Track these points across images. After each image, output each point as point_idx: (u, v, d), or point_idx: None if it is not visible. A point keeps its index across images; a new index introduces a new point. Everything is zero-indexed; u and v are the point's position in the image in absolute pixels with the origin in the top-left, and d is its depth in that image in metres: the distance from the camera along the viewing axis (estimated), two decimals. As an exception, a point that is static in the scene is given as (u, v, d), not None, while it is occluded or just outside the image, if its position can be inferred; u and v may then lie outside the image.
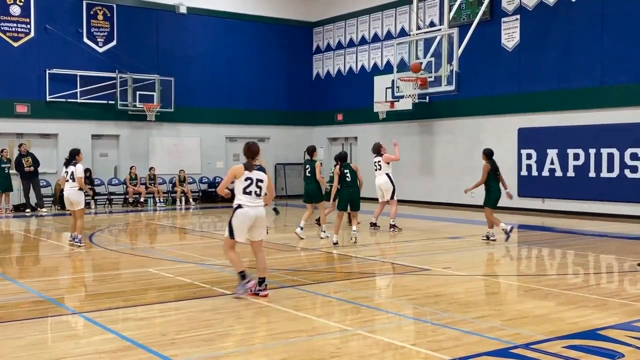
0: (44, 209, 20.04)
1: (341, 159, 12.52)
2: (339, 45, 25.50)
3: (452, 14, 19.03)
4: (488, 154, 12.61)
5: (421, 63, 18.00)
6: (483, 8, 18.62)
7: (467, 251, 11.93)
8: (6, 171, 19.49)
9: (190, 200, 22.82)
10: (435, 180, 21.66)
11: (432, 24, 20.91)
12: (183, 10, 23.69)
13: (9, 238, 14.62)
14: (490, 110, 19.78)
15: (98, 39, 22.31)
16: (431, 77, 18.12)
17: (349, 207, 12.64)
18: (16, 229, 16.11)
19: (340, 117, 25.44)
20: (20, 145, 20.23)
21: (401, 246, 12.36)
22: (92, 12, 22.22)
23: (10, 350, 5.64)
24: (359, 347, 5.73)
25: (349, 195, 12.36)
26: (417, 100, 19.83)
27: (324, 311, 7.04)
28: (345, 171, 12.40)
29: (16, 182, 20.15)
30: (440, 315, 6.80)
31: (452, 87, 17.58)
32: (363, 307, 7.24)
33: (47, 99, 21.27)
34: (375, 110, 22.32)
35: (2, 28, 20.71)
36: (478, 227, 14.73)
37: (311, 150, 13.53)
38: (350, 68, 24.99)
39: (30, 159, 19.91)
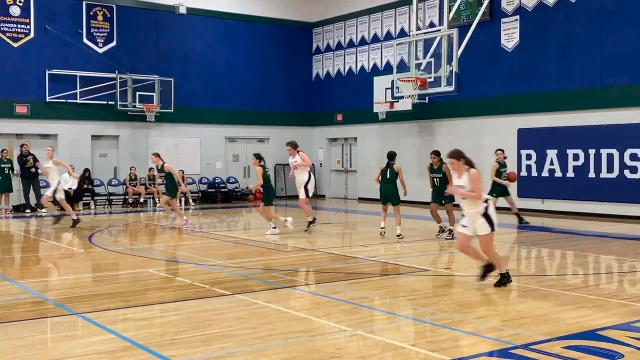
0: (43, 210, 20.03)
1: (389, 157, 13.62)
2: (339, 46, 25.51)
3: (451, 14, 19.03)
4: (440, 154, 13.21)
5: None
6: (483, 9, 18.63)
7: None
8: (6, 172, 19.49)
9: (190, 200, 22.81)
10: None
11: (431, 25, 20.92)
12: (183, 10, 23.69)
13: (8, 239, 14.62)
14: (490, 110, 19.79)
15: (98, 40, 22.31)
16: (431, 77, 18.13)
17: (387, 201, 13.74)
18: (16, 230, 16.11)
19: (339, 117, 25.45)
20: (22, 146, 20.25)
21: (401, 247, 12.36)
22: (91, 13, 22.22)
23: (10, 351, 5.64)
24: (358, 348, 5.73)
25: (385, 191, 13.51)
26: (416, 101, 19.85)
27: (324, 312, 7.04)
28: (387, 169, 13.49)
29: (16, 182, 20.17)
30: (440, 316, 6.80)
31: (451, 88, 17.57)
32: (363, 308, 7.24)
33: (47, 100, 21.27)
34: (374, 110, 22.33)
35: (2, 29, 20.71)
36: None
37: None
38: (350, 68, 24.99)
39: (31, 160, 19.92)
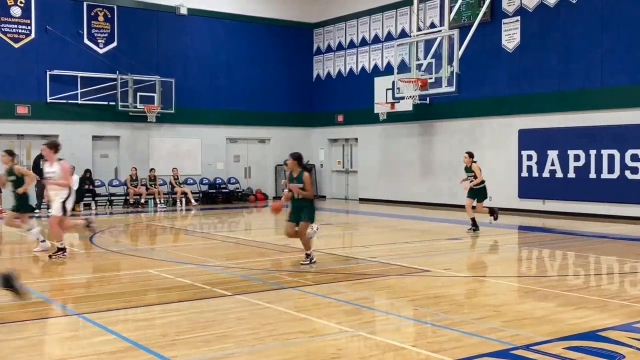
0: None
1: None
2: (340, 47, 25.50)
3: (452, 15, 19.03)
4: (299, 158, 10.07)
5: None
6: (483, 9, 18.63)
7: (467, 252, 11.93)
8: None
9: (192, 201, 22.81)
10: (435, 181, 21.64)
11: (432, 25, 20.91)
12: (183, 11, 23.69)
13: (9, 239, 14.61)
14: (491, 111, 19.78)
15: (99, 40, 22.32)
16: (432, 78, 18.13)
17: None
18: (17, 230, 16.09)
19: (340, 118, 25.45)
20: (42, 147, 20.31)
21: (401, 247, 12.36)
22: (92, 14, 22.23)
23: (10, 352, 5.63)
24: (359, 349, 5.73)
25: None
26: (417, 102, 19.86)
27: (325, 312, 7.04)
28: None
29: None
30: (441, 317, 6.80)
31: (452, 89, 17.58)
32: (363, 308, 7.24)
33: (48, 100, 21.28)
34: (375, 111, 22.33)
35: (3, 29, 20.73)
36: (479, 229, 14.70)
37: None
38: (351, 69, 24.99)
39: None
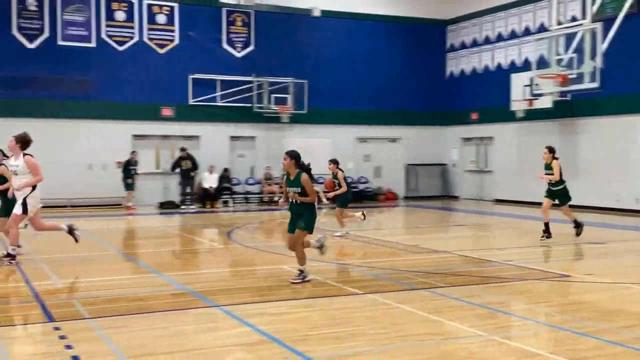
0: (192, 207, 21.17)
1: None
2: (474, 43, 24.90)
3: (595, 7, 18.01)
4: (297, 157, 8.66)
5: None
6: (629, 1, 17.45)
7: (611, 257, 11.24)
8: (132, 172, 20.66)
9: (323, 199, 23.10)
10: (578, 182, 20.53)
11: (573, 19, 19.90)
12: (317, 13, 24.09)
13: (154, 233, 15.52)
14: (638, 108, 18.50)
15: (236, 45, 23.22)
16: (572, 74, 17.28)
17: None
18: (160, 225, 17.09)
19: (475, 116, 24.83)
20: (181, 150, 21.51)
21: (540, 251, 11.85)
22: (231, 19, 23.17)
23: (153, 340, 5.97)
24: (493, 353, 5.55)
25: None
26: (557, 98, 19.01)
27: (457, 315, 6.88)
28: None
29: (149, 181, 21.54)
30: (581, 324, 6.44)
31: (595, 85, 16.69)
32: (498, 313, 7.01)
33: (190, 103, 22.42)
34: (512, 108, 21.56)
35: (150, 36, 22.09)
36: (624, 232, 13.86)
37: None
38: (486, 66, 24.31)
39: (188, 162, 21.15)
